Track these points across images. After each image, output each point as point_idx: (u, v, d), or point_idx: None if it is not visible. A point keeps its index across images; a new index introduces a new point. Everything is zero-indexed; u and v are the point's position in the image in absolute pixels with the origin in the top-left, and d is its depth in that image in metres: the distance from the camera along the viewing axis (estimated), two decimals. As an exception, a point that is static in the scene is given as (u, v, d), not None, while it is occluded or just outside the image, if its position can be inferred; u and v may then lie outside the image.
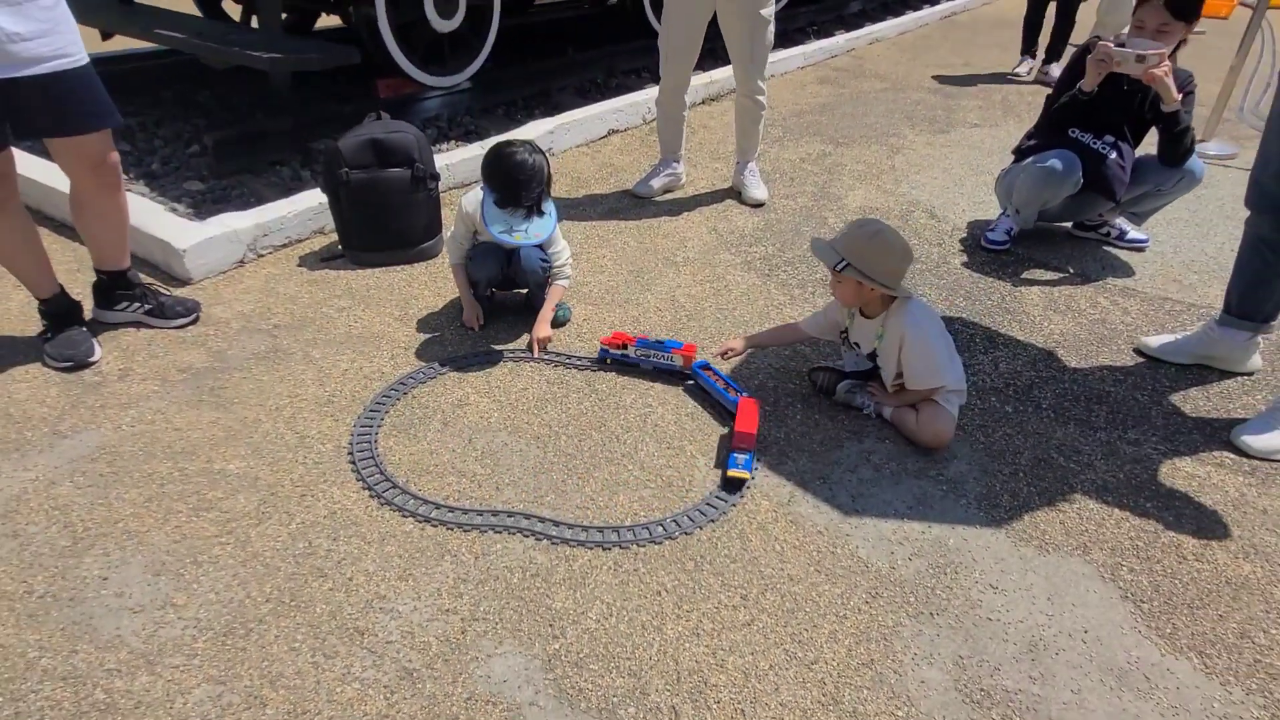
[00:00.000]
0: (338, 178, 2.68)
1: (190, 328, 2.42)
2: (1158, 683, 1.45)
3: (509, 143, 2.31)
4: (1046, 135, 2.93)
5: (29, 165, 3.07)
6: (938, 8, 8.68)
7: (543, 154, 2.31)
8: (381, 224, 2.77)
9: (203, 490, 1.81)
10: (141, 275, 2.47)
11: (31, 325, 2.34)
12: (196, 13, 4.55)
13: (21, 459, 1.88)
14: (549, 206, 2.35)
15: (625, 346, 2.28)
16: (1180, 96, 2.64)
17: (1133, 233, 3.14)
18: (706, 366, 2.24)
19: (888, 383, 2.10)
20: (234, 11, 4.70)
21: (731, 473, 1.86)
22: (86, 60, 2.03)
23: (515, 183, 2.24)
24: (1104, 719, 1.39)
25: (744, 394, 2.11)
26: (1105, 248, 3.16)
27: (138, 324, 2.42)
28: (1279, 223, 2.12)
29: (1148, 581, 1.66)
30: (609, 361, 2.31)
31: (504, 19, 4.58)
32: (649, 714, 1.37)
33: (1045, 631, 1.54)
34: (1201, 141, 4.29)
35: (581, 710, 1.37)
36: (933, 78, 5.86)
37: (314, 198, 2.99)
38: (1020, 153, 3.04)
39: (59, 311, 2.26)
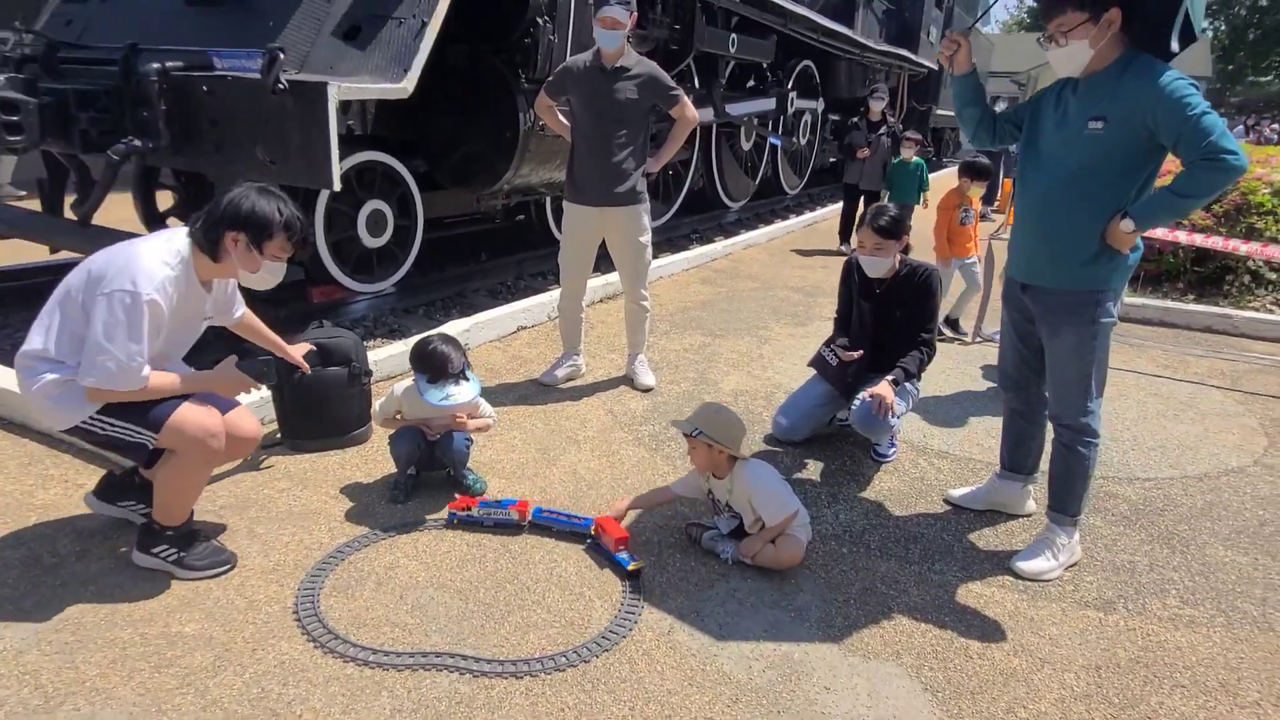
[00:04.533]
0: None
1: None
2: (946, 751, 1.90)
3: (427, 338, 2.94)
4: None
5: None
6: (802, 217, 10.20)
7: (454, 340, 2.92)
8: (319, 415, 3.19)
9: (162, 650, 2.08)
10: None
11: (-8, 514, 2.59)
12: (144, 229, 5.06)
13: (-11, 633, 2.11)
14: (471, 375, 2.92)
15: (469, 508, 2.70)
16: (895, 403, 3.14)
17: (881, 448, 3.45)
18: (544, 510, 2.72)
19: (748, 525, 2.60)
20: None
21: (631, 566, 2.45)
22: None
23: (442, 360, 2.83)
24: (906, 781, 1.81)
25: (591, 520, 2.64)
26: (922, 421, 3.88)
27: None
28: (1024, 398, 2.85)
29: (942, 676, 2.14)
30: (456, 521, 2.72)
31: (426, 233, 5.30)
32: (554, 805, 1.70)
33: None
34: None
35: (499, 806, 1.69)
36: (795, 278, 6.93)
37: (255, 394, 3.39)
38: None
39: (187, 531, 2.43)
